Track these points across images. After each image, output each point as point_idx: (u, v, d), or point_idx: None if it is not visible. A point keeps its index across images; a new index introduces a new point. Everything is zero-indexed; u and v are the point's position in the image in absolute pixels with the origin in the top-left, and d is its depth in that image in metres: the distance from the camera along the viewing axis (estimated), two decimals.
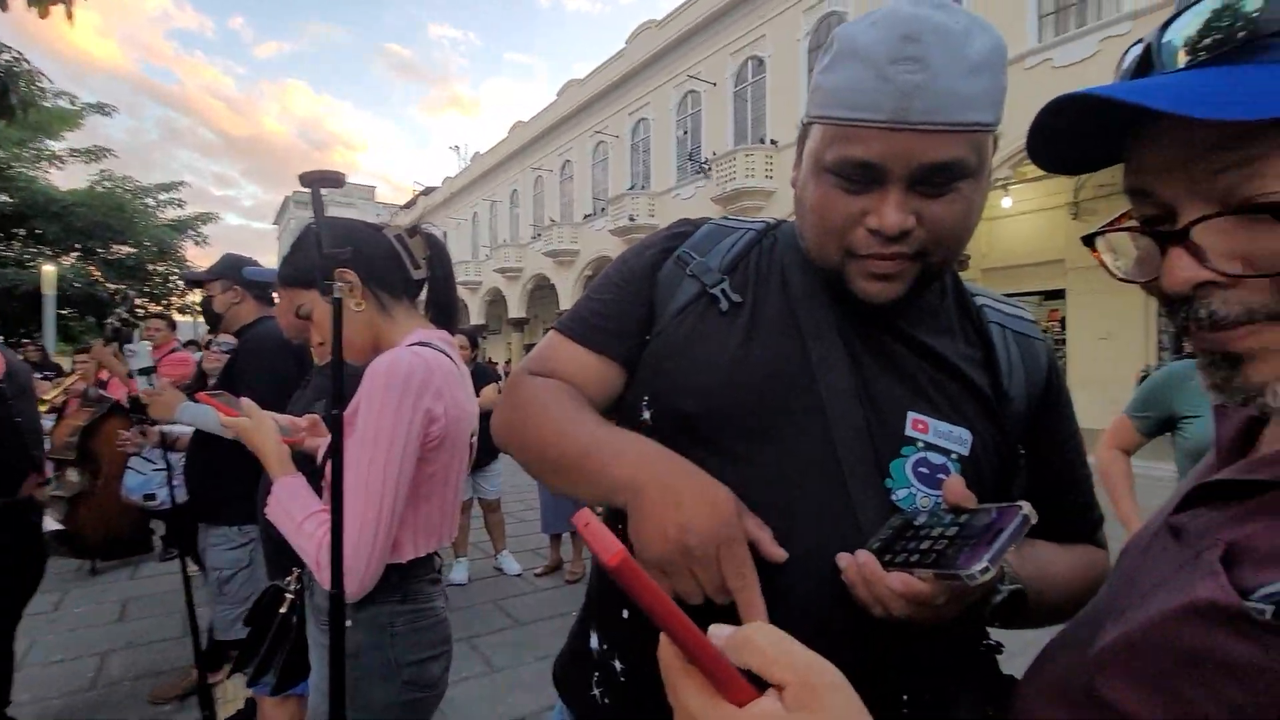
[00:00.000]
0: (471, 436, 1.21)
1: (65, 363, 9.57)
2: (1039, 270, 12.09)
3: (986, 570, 0.48)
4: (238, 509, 2.04)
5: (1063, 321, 12.06)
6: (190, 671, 2.63)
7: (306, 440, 1.31)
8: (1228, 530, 0.38)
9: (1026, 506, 0.52)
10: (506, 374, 5.22)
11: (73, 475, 3.71)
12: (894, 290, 0.66)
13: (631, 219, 17.19)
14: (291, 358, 2.04)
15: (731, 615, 0.55)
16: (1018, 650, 0.70)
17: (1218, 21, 0.36)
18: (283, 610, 1.22)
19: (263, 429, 1.18)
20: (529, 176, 24.67)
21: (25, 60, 6.47)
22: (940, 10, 0.59)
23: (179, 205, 17.04)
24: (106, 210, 14.63)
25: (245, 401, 1.24)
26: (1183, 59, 0.37)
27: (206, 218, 17.65)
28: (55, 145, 14.89)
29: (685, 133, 17.47)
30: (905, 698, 0.63)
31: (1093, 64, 9.34)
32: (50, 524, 3.34)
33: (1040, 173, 10.76)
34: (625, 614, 0.72)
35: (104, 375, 4.09)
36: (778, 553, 0.59)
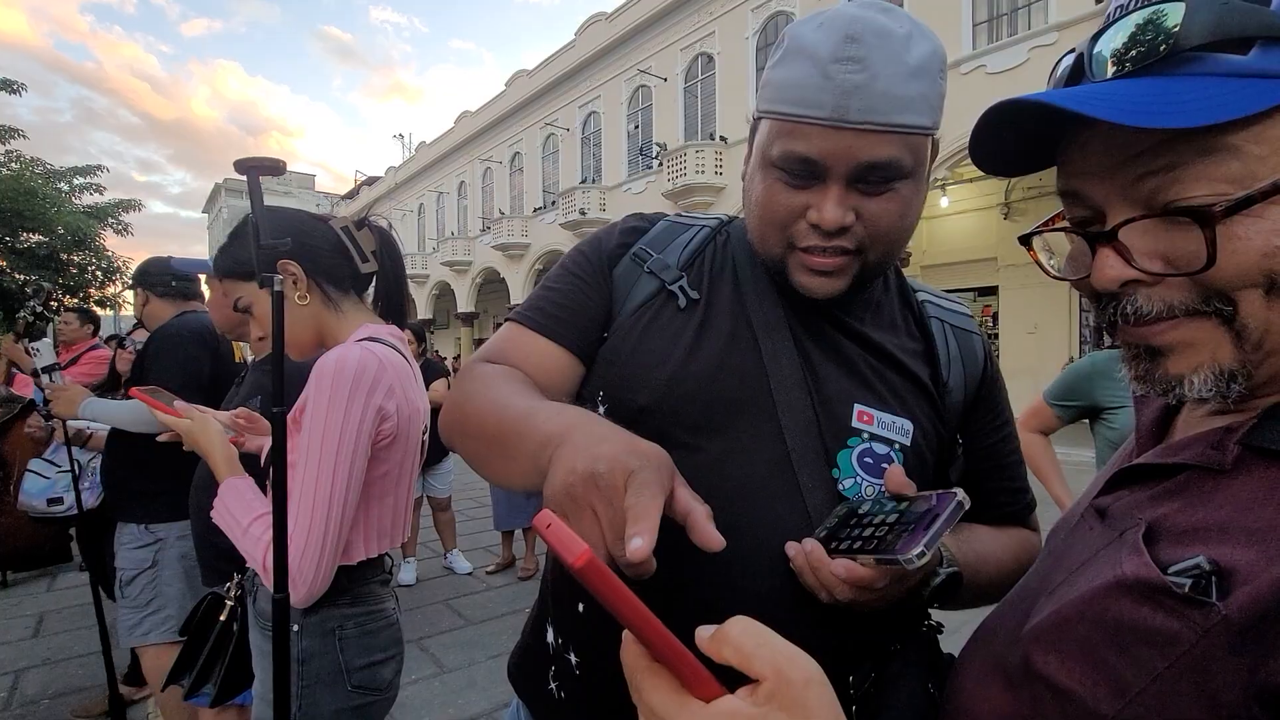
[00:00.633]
0: (423, 434, 1.18)
1: None
2: (974, 267, 12.65)
3: (923, 554, 0.51)
4: (148, 506, 1.95)
5: (995, 316, 12.67)
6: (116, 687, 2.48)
7: (249, 442, 1.25)
8: (1148, 510, 0.41)
9: (961, 493, 0.55)
10: (455, 370, 5.11)
11: None
12: (834, 286, 0.68)
13: (582, 212, 17.09)
14: (206, 353, 1.95)
15: (684, 613, 0.56)
16: (957, 629, 0.74)
17: (1142, 35, 0.38)
18: (222, 618, 1.17)
19: (207, 430, 1.13)
20: (477, 168, 24.18)
21: None
22: (884, 14, 0.61)
23: (97, 191, 15.92)
24: (14, 195, 13.53)
25: (182, 403, 1.18)
26: (1111, 69, 0.40)
27: (128, 205, 16.53)
28: None
29: (636, 127, 17.46)
30: (851, 679, 0.65)
31: (1024, 71, 9.82)
32: None
33: (976, 174, 11.26)
34: (581, 608, 0.72)
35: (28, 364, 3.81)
36: (714, 537, 0.47)
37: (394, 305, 1.25)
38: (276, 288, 0.92)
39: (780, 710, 0.30)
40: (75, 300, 14.24)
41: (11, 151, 14.24)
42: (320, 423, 0.97)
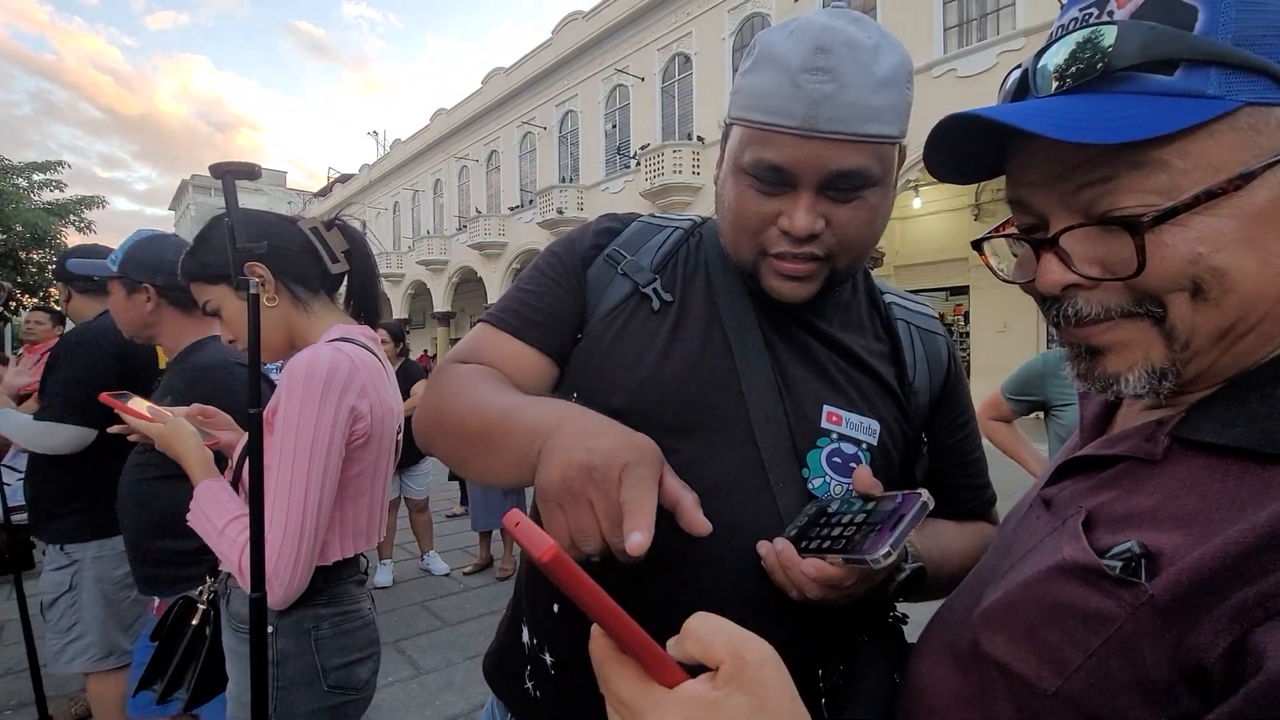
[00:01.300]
0: (398, 434, 1.18)
1: None
2: (945, 267, 12.88)
3: (889, 554, 0.53)
4: (59, 526, 1.84)
5: (966, 315, 12.92)
6: (81, 697, 2.42)
7: (222, 439, 1.25)
8: (1089, 498, 0.44)
9: (925, 494, 0.57)
10: (428, 369, 5.06)
11: None
12: (805, 291, 0.70)
13: (560, 211, 17.03)
14: (113, 360, 1.80)
15: (658, 601, 0.57)
16: (922, 620, 0.77)
17: (1080, 54, 0.41)
18: (194, 622, 1.15)
19: (181, 432, 1.12)
20: (453, 166, 23.95)
21: None
22: (854, 24, 0.63)
23: (58, 187, 15.44)
24: None
25: (154, 406, 1.17)
26: (1053, 85, 0.42)
27: (91, 201, 16.07)
28: None
29: (614, 126, 17.45)
30: (820, 671, 0.67)
31: (993, 75, 10.03)
32: None
33: None
34: (555, 608, 0.73)
35: None
36: (701, 522, 0.50)
37: (366, 305, 1.25)
38: (253, 290, 0.91)
39: (739, 689, 0.32)
40: (35, 300, 13.78)
41: None
42: (293, 424, 0.96)
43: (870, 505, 0.61)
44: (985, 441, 0.91)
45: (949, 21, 11.10)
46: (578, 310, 0.78)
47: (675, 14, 15.24)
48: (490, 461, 0.62)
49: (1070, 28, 0.42)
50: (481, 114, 21.93)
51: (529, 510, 0.74)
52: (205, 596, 1.17)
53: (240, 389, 1.45)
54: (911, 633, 0.74)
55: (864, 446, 0.71)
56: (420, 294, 26.10)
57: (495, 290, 20.36)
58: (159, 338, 1.67)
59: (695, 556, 0.60)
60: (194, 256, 1.16)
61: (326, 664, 1.05)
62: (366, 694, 1.13)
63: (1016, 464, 2.20)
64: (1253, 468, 0.37)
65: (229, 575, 1.08)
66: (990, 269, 0.51)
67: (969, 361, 12.22)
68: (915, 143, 0.71)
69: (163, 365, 1.90)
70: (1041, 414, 2.14)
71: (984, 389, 2.32)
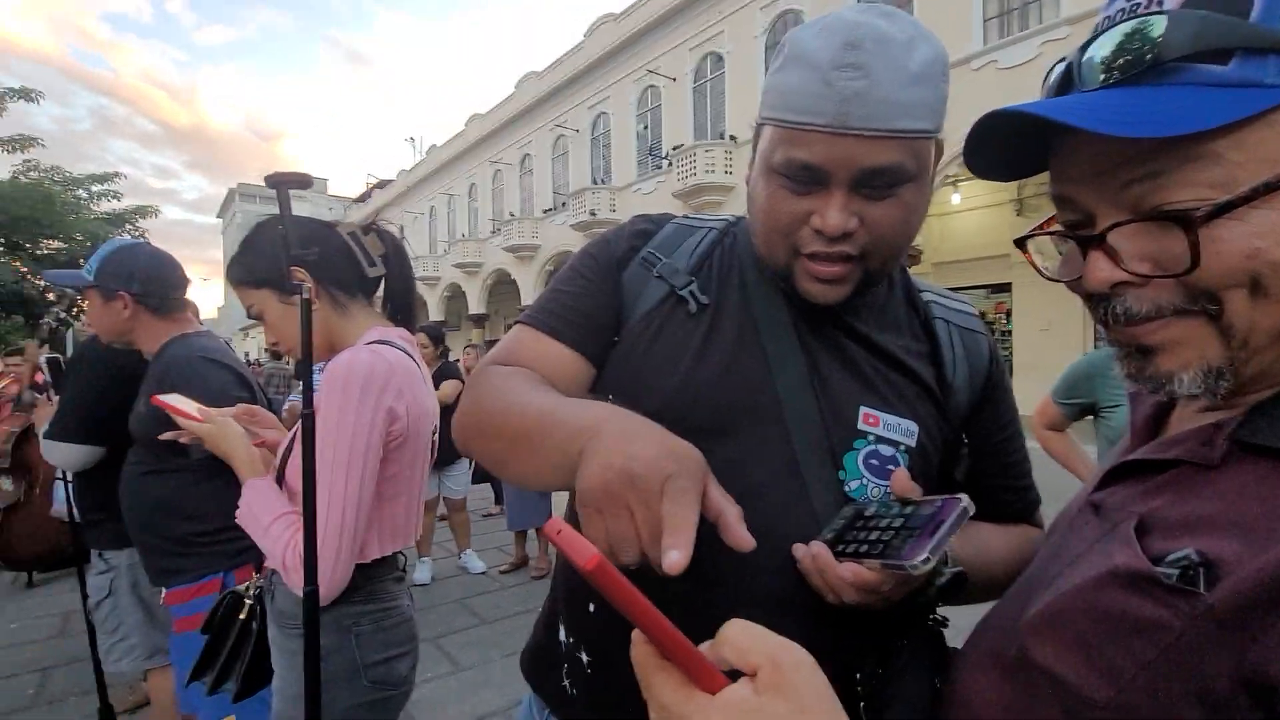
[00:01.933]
0: (433, 434, 1.20)
1: None
2: (986, 264, 12.53)
3: (928, 560, 0.52)
4: (96, 532, 1.92)
5: (1008, 313, 12.55)
6: (140, 687, 2.53)
7: (268, 438, 1.29)
8: (1141, 504, 0.43)
9: (966, 499, 0.56)
10: (466, 368, 5.13)
11: (5, 484, 3.51)
12: (839, 293, 0.68)
13: (593, 213, 17.12)
14: (104, 376, 1.81)
15: (693, 602, 0.57)
16: (965, 625, 0.75)
17: (1128, 45, 0.39)
18: (242, 616, 1.19)
19: (228, 433, 1.16)
20: (487, 170, 24.31)
21: None
22: (885, 19, 0.61)
23: (114, 198, 16.19)
24: (33, 202, 13.77)
25: (202, 407, 1.22)
26: (1099, 78, 0.41)
27: (145, 211, 16.79)
28: None
29: (645, 127, 17.47)
30: (858, 675, 0.66)
31: (1035, 66, 9.70)
32: None
33: None
34: (591, 608, 0.73)
35: (40, 379, 3.88)
36: (744, 537, 0.49)
37: (403, 308, 1.28)
38: (305, 295, 0.94)
39: (777, 694, 0.32)
40: None
41: (30, 160, 14.51)
42: (333, 425, 0.99)
43: (909, 509, 0.60)
44: (1035, 445, 0.88)
45: (989, 12, 10.77)
46: (613, 311, 0.78)
47: (707, 13, 15.18)
48: (530, 462, 0.62)
49: (1117, 19, 0.41)
50: (515, 118, 22.21)
51: (564, 512, 0.75)
52: (252, 591, 1.21)
53: (205, 380, 1.55)
54: (952, 636, 0.72)
55: (902, 448, 0.70)
56: (456, 296, 26.55)
57: (529, 292, 20.58)
58: (137, 341, 1.73)
59: (731, 559, 0.60)
60: (238, 263, 1.20)
61: (366, 659, 1.08)
62: (406, 689, 1.15)
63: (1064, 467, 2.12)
64: None
65: (274, 572, 1.12)
66: (1034, 267, 0.49)
67: (1011, 360, 11.86)
68: (953, 137, 0.70)
69: None
70: (1092, 418, 2.06)
71: (1026, 387, 2.25)
